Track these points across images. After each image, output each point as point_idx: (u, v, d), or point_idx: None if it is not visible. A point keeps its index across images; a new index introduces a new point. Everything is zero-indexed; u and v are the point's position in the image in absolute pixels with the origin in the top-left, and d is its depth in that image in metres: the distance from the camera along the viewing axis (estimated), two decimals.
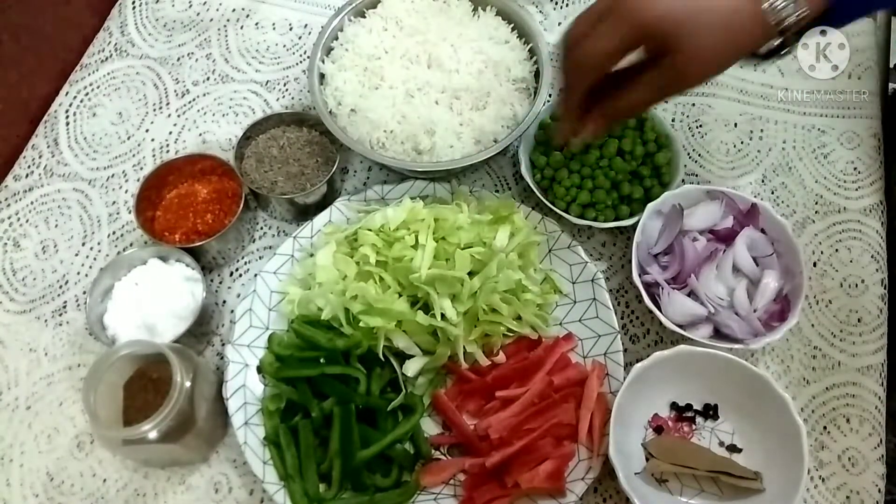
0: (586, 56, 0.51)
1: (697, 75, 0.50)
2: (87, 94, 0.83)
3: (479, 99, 0.71)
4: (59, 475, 0.64)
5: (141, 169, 0.79)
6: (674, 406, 0.65)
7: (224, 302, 0.72)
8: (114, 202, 0.77)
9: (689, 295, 0.66)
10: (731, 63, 0.51)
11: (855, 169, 0.79)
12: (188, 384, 0.57)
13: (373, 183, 0.77)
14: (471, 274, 0.64)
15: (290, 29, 0.88)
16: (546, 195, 0.72)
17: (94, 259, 0.74)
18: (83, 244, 0.75)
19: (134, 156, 0.80)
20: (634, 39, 0.49)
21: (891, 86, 0.86)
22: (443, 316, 0.62)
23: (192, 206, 0.72)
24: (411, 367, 0.64)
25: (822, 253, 0.74)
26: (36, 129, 0.81)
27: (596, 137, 0.57)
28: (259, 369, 0.64)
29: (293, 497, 0.58)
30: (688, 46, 0.48)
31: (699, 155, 0.80)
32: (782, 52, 0.54)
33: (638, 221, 0.68)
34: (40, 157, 0.79)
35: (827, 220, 0.76)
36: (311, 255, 0.68)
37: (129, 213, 0.75)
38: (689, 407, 0.65)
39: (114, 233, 0.75)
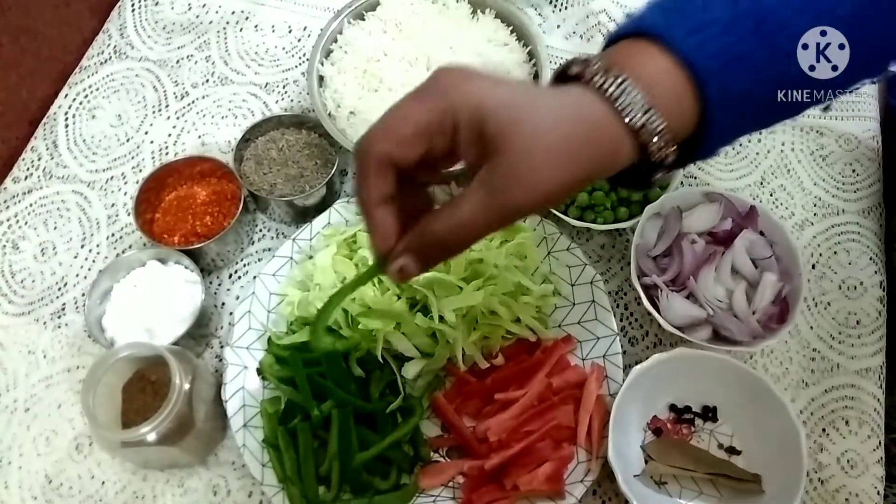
0: (383, 128, 0.38)
1: (528, 188, 0.36)
2: (86, 96, 0.83)
3: None
4: (57, 477, 0.64)
5: (140, 171, 0.79)
6: (673, 408, 0.65)
7: (223, 304, 0.72)
8: (113, 204, 0.77)
9: (687, 297, 0.66)
10: (578, 184, 0.37)
11: (853, 171, 0.79)
12: (187, 386, 0.57)
13: None
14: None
15: (290, 31, 0.88)
16: None
17: (93, 261, 0.74)
18: (82, 246, 0.75)
19: (133, 158, 0.80)
20: (446, 116, 0.37)
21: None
22: (441, 318, 0.62)
23: (191, 208, 0.72)
24: (410, 370, 0.64)
25: (820, 255, 0.74)
26: (35, 131, 0.81)
27: (409, 277, 0.40)
28: (258, 371, 0.64)
29: (292, 499, 0.58)
30: (518, 142, 0.35)
31: None
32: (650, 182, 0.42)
33: (637, 223, 0.68)
34: (39, 159, 0.79)
35: (825, 223, 0.76)
36: (310, 258, 0.68)
37: (128, 215, 0.75)
38: (688, 409, 0.65)
39: (113, 235, 0.75)
